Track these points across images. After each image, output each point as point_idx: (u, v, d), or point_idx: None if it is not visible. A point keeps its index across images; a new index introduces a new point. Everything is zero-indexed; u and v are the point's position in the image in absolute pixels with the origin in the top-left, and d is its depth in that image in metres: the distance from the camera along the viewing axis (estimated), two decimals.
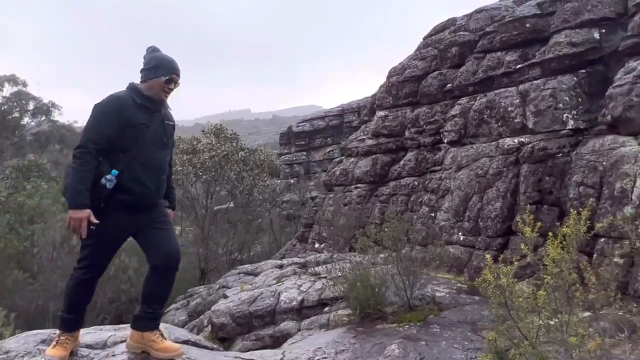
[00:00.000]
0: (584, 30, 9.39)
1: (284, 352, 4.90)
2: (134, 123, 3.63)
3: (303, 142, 30.12)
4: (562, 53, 9.33)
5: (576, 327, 2.70)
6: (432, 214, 10.46)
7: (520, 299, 2.54)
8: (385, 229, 8.13)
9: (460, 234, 9.59)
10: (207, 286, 12.36)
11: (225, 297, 9.44)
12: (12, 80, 28.30)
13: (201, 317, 10.03)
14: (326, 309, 8.13)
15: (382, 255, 8.35)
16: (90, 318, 11.56)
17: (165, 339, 3.88)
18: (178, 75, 3.85)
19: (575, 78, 9.14)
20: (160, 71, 3.78)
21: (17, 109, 30.14)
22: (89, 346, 4.30)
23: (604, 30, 9.31)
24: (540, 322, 2.76)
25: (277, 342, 7.70)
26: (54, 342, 3.65)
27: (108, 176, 3.49)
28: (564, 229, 2.60)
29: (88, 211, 3.37)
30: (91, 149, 3.46)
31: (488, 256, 2.95)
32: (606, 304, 7.15)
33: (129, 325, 5.91)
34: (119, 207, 3.56)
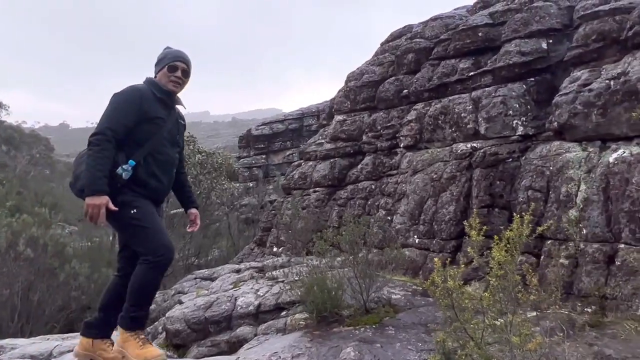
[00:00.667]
0: (532, 40, 9.75)
1: (239, 357, 4.86)
2: (152, 116, 3.60)
3: (262, 146, 29.95)
4: (512, 61, 9.66)
5: (520, 327, 2.79)
6: (389, 218, 10.60)
7: (467, 301, 2.62)
8: (343, 233, 8.20)
9: (415, 237, 9.76)
10: (163, 292, 12.08)
11: (181, 302, 9.28)
12: None
13: (155, 323, 9.80)
14: (283, 313, 8.11)
15: (339, 259, 8.41)
16: (37, 327, 11.14)
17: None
18: (183, 62, 3.81)
19: (524, 86, 9.48)
20: (164, 61, 3.79)
21: None
22: (33, 357, 4.15)
23: (551, 41, 9.69)
24: (486, 322, 2.84)
25: (233, 347, 7.61)
26: (140, 342, 3.52)
27: (125, 166, 3.41)
28: (507, 233, 2.69)
29: (106, 197, 3.26)
30: (110, 136, 3.37)
31: (436, 259, 3.02)
32: (552, 303, 7.45)
33: (77, 333, 5.74)
34: (138, 196, 3.52)
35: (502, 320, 2.86)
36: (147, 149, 3.56)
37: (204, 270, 12.40)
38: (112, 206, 3.27)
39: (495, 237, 2.83)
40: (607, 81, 7.81)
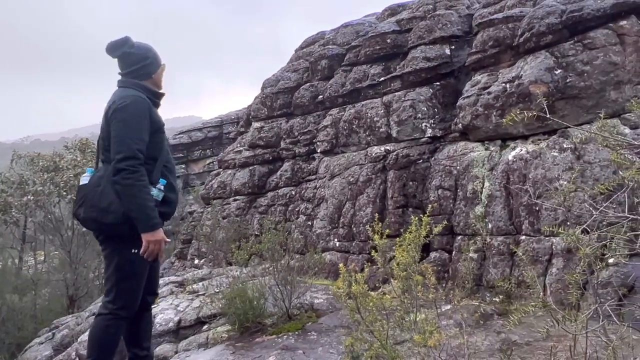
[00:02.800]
0: (436, 47, 10.22)
1: None
2: (159, 126, 3.35)
3: (181, 155, 29.04)
4: (419, 67, 10.06)
5: (424, 324, 2.88)
6: (309, 222, 10.66)
7: (371, 304, 2.67)
8: (262, 241, 8.13)
9: (335, 240, 9.87)
10: (76, 315, 11.37)
11: None
12: None
13: (68, 349, 9.17)
14: (205, 327, 7.89)
15: (260, 267, 8.34)
16: None
17: None
18: None
19: (431, 90, 9.89)
20: (158, 62, 3.58)
21: None
22: None
23: (453, 47, 10.21)
24: (392, 323, 2.90)
25: None
26: None
27: (158, 186, 3.18)
28: (406, 235, 2.78)
29: (162, 231, 3.10)
30: (141, 158, 3.08)
31: (341, 265, 3.07)
32: (466, 295, 7.84)
33: None
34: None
35: (407, 319, 2.94)
36: (160, 162, 3.34)
37: None
38: (166, 238, 3.16)
39: (397, 239, 2.91)
40: (503, 84, 8.35)
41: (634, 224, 2.58)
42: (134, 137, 3.12)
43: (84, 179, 3.37)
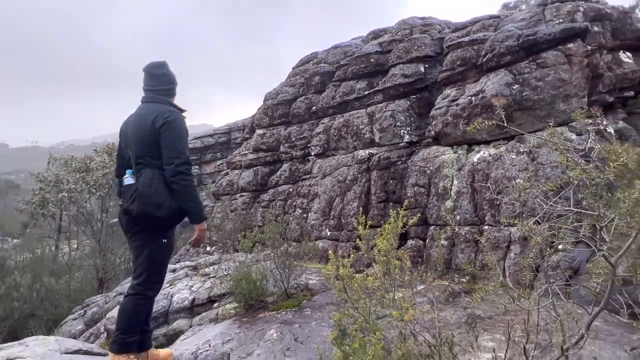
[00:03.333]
0: (413, 65, 10.24)
1: (171, 349, 4.61)
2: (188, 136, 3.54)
3: (195, 157, 28.93)
4: (398, 82, 10.08)
5: (401, 302, 2.88)
6: (305, 215, 10.64)
7: (356, 285, 2.67)
8: (264, 231, 8.11)
9: (327, 230, 9.87)
10: (105, 295, 11.29)
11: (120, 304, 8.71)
12: None
13: (98, 324, 9.13)
14: (215, 304, 7.86)
15: (263, 254, 8.31)
16: None
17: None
18: None
19: (408, 102, 9.92)
20: (176, 82, 3.72)
21: None
22: None
23: (427, 65, 10.24)
24: (374, 301, 2.90)
25: (170, 339, 7.26)
26: None
27: None
28: (386, 226, 2.77)
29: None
30: (191, 163, 3.32)
31: (330, 252, 3.06)
32: (437, 277, 7.84)
33: (15, 342, 5.19)
34: None
35: (388, 297, 2.94)
36: None
37: None
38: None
39: (379, 229, 2.91)
40: (469, 97, 8.38)
41: (579, 216, 2.60)
42: (184, 145, 3.34)
43: (129, 180, 3.35)
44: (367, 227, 3.20)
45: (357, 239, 3.04)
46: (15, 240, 23.70)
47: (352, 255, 5.78)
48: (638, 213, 1.86)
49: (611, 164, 1.91)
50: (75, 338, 9.03)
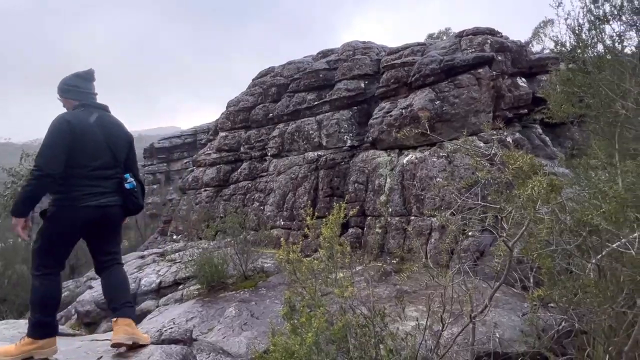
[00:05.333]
0: (355, 81, 10.36)
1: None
2: None
3: (164, 156, 27.72)
4: (342, 95, 10.16)
5: (342, 281, 2.88)
6: (262, 207, 10.49)
7: (304, 268, 2.64)
8: (225, 221, 7.91)
9: (281, 220, 9.79)
10: (75, 280, 10.54)
11: (91, 287, 8.17)
12: None
13: (68, 307, 8.52)
14: (180, 287, 7.58)
15: (224, 241, 8.10)
16: None
17: None
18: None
19: (350, 112, 10.03)
20: None
21: None
22: None
23: (366, 82, 10.38)
24: (319, 281, 2.88)
25: (139, 318, 6.87)
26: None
27: None
28: (330, 217, 2.77)
29: None
30: None
31: (282, 240, 3.02)
32: (373, 259, 7.96)
33: None
34: None
35: (331, 277, 2.93)
36: None
37: None
38: None
39: (324, 220, 2.90)
40: (400, 110, 8.60)
41: (485, 209, 2.73)
42: None
43: (133, 184, 3.00)
44: (315, 218, 3.18)
45: (306, 228, 3.01)
46: None
47: (302, 242, 5.76)
48: (529, 207, 1.98)
49: (509, 167, 2.02)
50: None
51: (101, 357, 3.43)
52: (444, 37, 18.10)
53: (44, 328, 2.62)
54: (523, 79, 9.05)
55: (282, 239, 3.04)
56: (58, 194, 2.58)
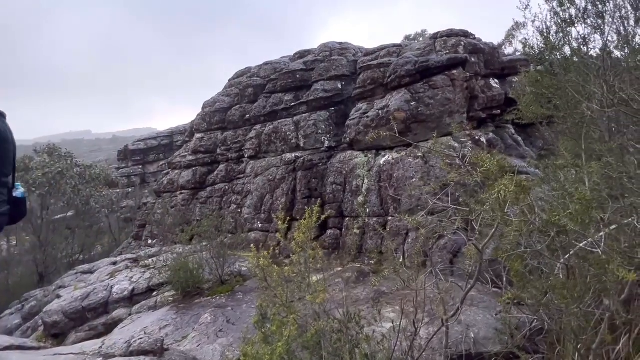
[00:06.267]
0: (332, 82, 10.33)
1: (104, 340, 4.18)
2: None
3: (139, 158, 26.99)
4: (319, 96, 10.10)
5: (316, 286, 2.82)
6: (239, 210, 10.32)
7: (275, 274, 2.57)
8: (201, 225, 7.73)
9: (258, 223, 9.65)
10: (44, 289, 10.09)
11: (59, 297, 7.82)
12: None
13: (36, 318, 8.14)
14: (154, 293, 7.35)
15: (200, 245, 7.91)
16: None
17: None
18: None
19: (328, 113, 9.98)
20: None
21: None
22: None
23: (344, 83, 10.37)
24: (293, 286, 2.81)
25: (109, 328, 6.65)
26: None
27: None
28: (302, 222, 2.70)
29: None
30: None
31: (252, 246, 2.93)
32: (351, 260, 7.93)
33: None
34: None
35: (305, 282, 2.86)
36: None
37: (85, 265, 10.65)
38: None
39: (297, 223, 2.83)
40: (377, 111, 8.61)
41: (456, 210, 2.72)
42: None
43: (23, 193, 2.86)
44: (292, 220, 3.11)
45: (277, 233, 2.93)
46: None
47: (279, 245, 5.69)
48: (498, 209, 1.98)
49: (478, 169, 2.02)
50: (11, 333, 7.96)
51: None
52: (420, 39, 18.33)
53: None
54: (496, 80, 9.23)
55: (251, 245, 2.95)
56: None
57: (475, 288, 3.58)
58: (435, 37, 9.46)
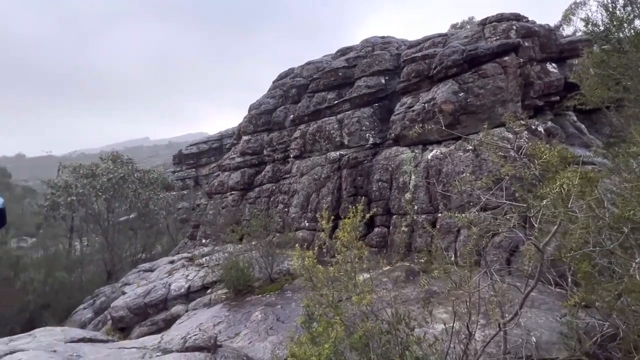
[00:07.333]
0: (375, 77, 10.15)
1: (163, 335, 4.40)
2: None
3: (192, 161, 28.38)
4: (362, 92, 9.97)
5: (363, 286, 2.76)
6: (286, 209, 10.47)
7: (320, 274, 2.54)
8: (250, 225, 7.93)
9: (305, 221, 9.73)
10: (112, 285, 10.90)
11: (124, 293, 8.40)
12: None
13: (105, 312, 8.81)
14: (208, 291, 7.66)
15: (250, 244, 8.13)
16: None
17: None
18: None
19: (371, 109, 9.83)
20: None
21: None
22: None
23: (387, 77, 10.16)
24: (339, 286, 2.77)
25: (169, 323, 7.03)
26: None
27: None
28: (346, 221, 2.65)
29: None
30: None
31: (297, 246, 2.93)
32: (400, 259, 7.75)
33: (24, 334, 4.88)
34: None
35: (351, 283, 2.81)
36: None
37: (146, 263, 11.37)
38: None
39: (341, 222, 2.78)
40: (423, 104, 8.33)
41: (511, 206, 2.53)
42: None
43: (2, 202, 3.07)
44: (338, 219, 3.07)
45: (322, 232, 2.91)
46: (32, 240, 22.81)
47: (326, 244, 5.66)
48: (560, 204, 1.79)
49: (535, 161, 1.84)
50: (85, 325, 8.67)
51: None
52: (468, 26, 17.50)
53: None
54: (553, 65, 8.56)
55: (297, 245, 2.95)
56: None
57: (535, 289, 3.32)
58: (484, 23, 8.96)
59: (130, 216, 17.48)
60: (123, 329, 7.26)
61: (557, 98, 8.23)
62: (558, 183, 1.67)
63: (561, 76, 8.28)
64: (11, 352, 3.69)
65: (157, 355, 3.56)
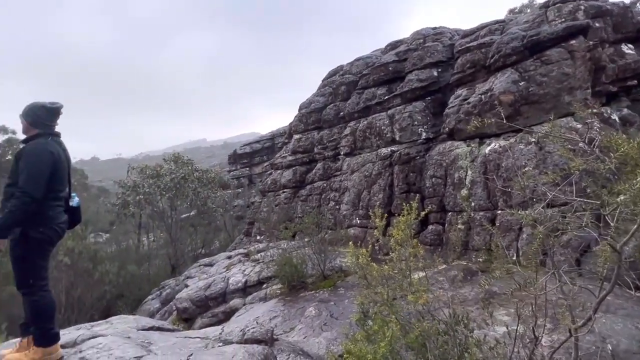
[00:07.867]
0: (427, 70, 9.85)
1: (223, 326, 4.63)
2: None
3: (246, 161, 29.50)
4: (414, 86, 9.72)
5: (418, 284, 2.71)
6: (337, 207, 10.52)
7: (374, 272, 2.53)
8: (302, 222, 8.07)
9: (357, 219, 9.71)
10: (176, 278, 11.65)
11: (187, 286, 8.94)
12: (3, 130, 24.83)
13: (170, 303, 9.44)
14: (264, 286, 7.91)
15: (302, 241, 8.28)
16: (80, 317, 10.52)
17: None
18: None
19: (424, 103, 9.55)
20: None
21: (10, 152, 26.64)
22: (62, 346, 3.80)
23: (440, 70, 9.81)
24: (393, 284, 2.74)
25: (228, 316, 7.38)
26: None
27: None
28: (400, 218, 2.61)
29: None
30: None
31: (350, 243, 2.93)
32: (456, 257, 7.49)
33: (103, 321, 5.34)
34: None
35: (406, 281, 2.77)
36: None
37: (206, 258, 12.02)
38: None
39: (395, 220, 2.75)
40: (479, 96, 7.95)
41: (583, 203, 2.34)
42: None
43: (78, 201, 3.30)
44: (390, 215, 3.04)
45: (375, 231, 2.89)
46: (106, 235, 25.03)
47: (379, 242, 5.61)
48: None
49: (611, 154, 1.69)
50: (153, 315, 9.36)
51: (192, 354, 3.70)
52: (528, 10, 16.37)
53: (51, 336, 2.92)
54: (630, 45, 7.75)
55: (350, 242, 2.96)
56: (36, 216, 2.77)
57: (611, 292, 3.05)
58: (546, 5, 8.33)
59: (191, 214, 18.57)
60: (187, 319, 7.73)
61: (635, 82, 7.45)
62: (639, 178, 1.51)
63: (639, 58, 7.48)
64: (94, 337, 4.06)
65: (219, 346, 3.75)
